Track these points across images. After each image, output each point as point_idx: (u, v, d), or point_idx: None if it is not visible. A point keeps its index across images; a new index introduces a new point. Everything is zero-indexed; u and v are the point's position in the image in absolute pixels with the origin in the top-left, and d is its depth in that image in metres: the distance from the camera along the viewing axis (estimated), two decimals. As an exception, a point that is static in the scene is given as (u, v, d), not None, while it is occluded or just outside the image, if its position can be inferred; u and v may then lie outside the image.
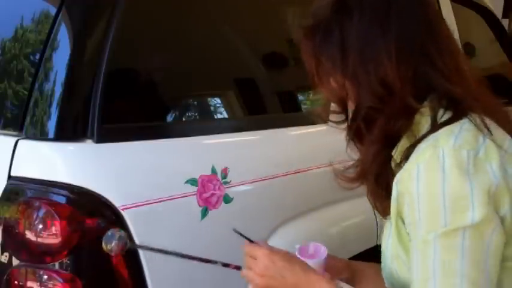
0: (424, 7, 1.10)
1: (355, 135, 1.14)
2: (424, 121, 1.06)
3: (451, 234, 0.96)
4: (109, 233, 1.19)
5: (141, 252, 1.30)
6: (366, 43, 1.06)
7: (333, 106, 1.22)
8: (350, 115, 1.14)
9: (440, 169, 0.97)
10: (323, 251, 1.25)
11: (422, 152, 1.01)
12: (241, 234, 1.24)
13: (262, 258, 1.17)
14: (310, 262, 1.22)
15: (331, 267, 1.27)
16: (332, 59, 1.09)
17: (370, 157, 1.10)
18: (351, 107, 1.13)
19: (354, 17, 1.07)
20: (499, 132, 1.06)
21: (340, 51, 1.07)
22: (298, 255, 1.24)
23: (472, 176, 0.96)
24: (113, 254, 1.21)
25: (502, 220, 0.98)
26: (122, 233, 1.20)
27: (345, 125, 1.17)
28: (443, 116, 1.05)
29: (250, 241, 1.22)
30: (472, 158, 0.97)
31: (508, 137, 1.07)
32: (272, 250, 1.18)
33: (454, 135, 1.00)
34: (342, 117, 1.18)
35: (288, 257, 1.19)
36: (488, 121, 1.05)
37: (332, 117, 1.20)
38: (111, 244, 1.19)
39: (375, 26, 1.06)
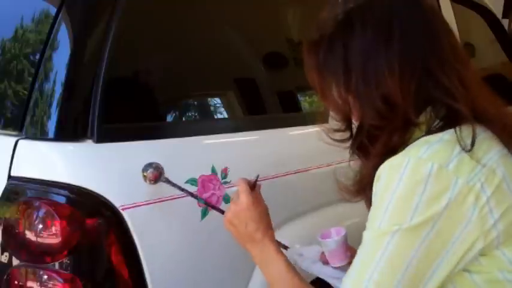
0: (428, 19, 1.09)
1: (359, 149, 1.15)
2: (419, 133, 1.06)
3: (381, 237, 0.99)
4: (149, 162, 1.31)
5: (141, 252, 1.30)
6: (368, 58, 1.05)
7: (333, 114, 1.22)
8: (354, 130, 1.15)
9: (399, 177, 0.99)
10: (342, 231, 1.35)
11: (394, 157, 1.03)
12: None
13: (242, 202, 1.24)
14: (329, 241, 1.33)
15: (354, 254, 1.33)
16: (335, 74, 1.09)
17: (369, 171, 1.10)
18: (355, 121, 1.14)
19: (356, 32, 1.06)
20: (487, 144, 1.04)
21: (343, 66, 1.07)
22: (320, 239, 1.34)
23: (426, 191, 0.97)
24: (146, 181, 1.31)
25: (464, 239, 0.99)
26: (160, 165, 1.32)
27: (349, 143, 1.18)
28: (436, 127, 1.05)
29: (254, 185, 1.29)
30: (436, 171, 0.97)
31: (497, 147, 1.05)
32: (254, 202, 1.25)
33: (427, 146, 1.01)
34: (345, 135, 1.20)
35: (265, 214, 1.26)
36: (480, 130, 1.03)
37: (336, 135, 1.21)
38: (147, 171, 1.31)
39: (377, 41, 1.05)
